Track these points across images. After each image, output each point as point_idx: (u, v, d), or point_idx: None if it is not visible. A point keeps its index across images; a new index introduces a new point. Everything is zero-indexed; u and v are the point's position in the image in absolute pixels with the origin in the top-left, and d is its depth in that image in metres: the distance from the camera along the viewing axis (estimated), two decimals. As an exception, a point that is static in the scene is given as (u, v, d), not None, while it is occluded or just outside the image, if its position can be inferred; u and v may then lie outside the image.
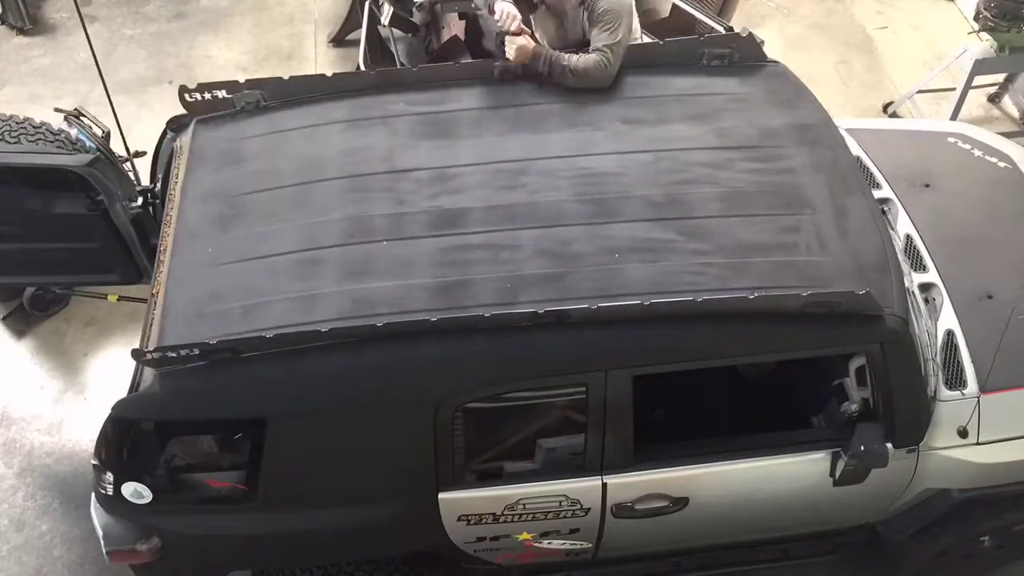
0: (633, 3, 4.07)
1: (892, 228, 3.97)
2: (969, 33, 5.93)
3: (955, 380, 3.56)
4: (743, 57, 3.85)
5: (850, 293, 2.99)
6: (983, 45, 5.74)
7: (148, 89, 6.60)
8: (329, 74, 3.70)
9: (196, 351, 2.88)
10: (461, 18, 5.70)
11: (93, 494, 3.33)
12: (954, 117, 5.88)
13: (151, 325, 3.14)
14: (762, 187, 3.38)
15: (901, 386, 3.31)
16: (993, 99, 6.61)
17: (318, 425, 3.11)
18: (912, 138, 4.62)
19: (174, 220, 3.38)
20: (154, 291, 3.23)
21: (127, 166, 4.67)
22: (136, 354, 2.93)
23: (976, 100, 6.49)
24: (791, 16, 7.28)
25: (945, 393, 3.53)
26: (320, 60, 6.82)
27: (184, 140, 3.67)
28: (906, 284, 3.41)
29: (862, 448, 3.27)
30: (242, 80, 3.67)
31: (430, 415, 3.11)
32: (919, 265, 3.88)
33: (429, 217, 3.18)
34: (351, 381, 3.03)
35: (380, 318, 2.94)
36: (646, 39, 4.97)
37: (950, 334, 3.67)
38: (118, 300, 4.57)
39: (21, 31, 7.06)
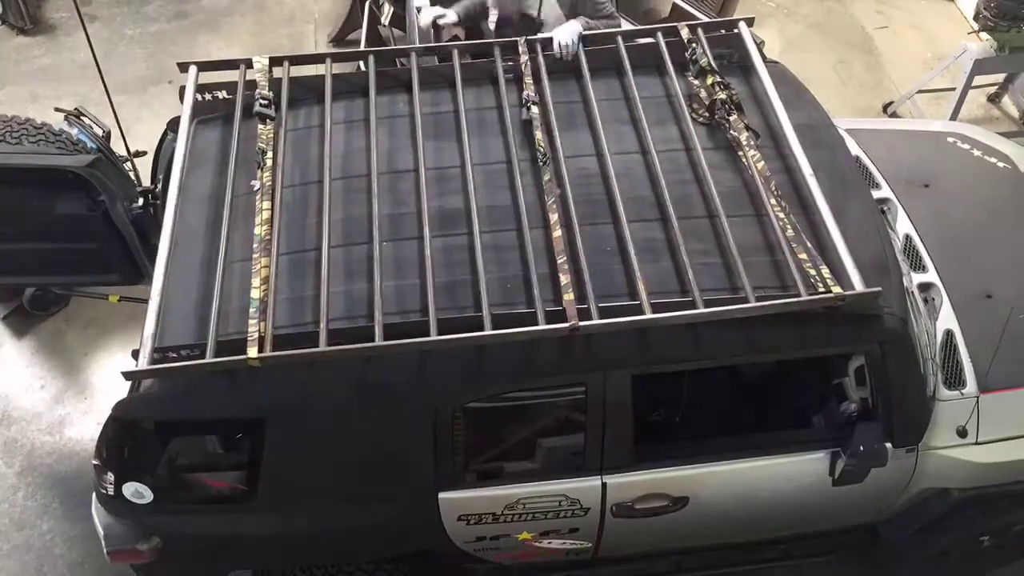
0: None
1: (891, 228, 3.98)
2: (969, 33, 5.93)
3: (954, 380, 3.57)
4: (741, 57, 3.85)
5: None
6: (983, 45, 5.75)
7: (148, 89, 6.61)
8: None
9: (196, 351, 2.89)
10: (461, 18, 5.69)
11: (94, 494, 3.34)
12: (954, 117, 5.88)
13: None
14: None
15: (900, 386, 3.32)
16: (993, 99, 6.61)
17: (319, 425, 3.11)
18: (912, 138, 4.63)
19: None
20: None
21: (127, 166, 4.67)
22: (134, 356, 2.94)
23: (976, 100, 6.50)
24: (791, 16, 7.28)
25: (944, 393, 3.54)
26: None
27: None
28: (905, 284, 3.41)
29: (861, 448, 3.28)
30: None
31: (430, 415, 3.11)
32: (918, 265, 3.88)
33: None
34: (351, 381, 3.03)
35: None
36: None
37: (949, 334, 3.68)
38: (119, 300, 4.57)
39: (21, 31, 7.06)
